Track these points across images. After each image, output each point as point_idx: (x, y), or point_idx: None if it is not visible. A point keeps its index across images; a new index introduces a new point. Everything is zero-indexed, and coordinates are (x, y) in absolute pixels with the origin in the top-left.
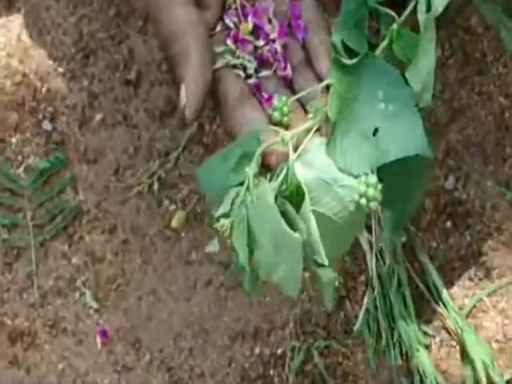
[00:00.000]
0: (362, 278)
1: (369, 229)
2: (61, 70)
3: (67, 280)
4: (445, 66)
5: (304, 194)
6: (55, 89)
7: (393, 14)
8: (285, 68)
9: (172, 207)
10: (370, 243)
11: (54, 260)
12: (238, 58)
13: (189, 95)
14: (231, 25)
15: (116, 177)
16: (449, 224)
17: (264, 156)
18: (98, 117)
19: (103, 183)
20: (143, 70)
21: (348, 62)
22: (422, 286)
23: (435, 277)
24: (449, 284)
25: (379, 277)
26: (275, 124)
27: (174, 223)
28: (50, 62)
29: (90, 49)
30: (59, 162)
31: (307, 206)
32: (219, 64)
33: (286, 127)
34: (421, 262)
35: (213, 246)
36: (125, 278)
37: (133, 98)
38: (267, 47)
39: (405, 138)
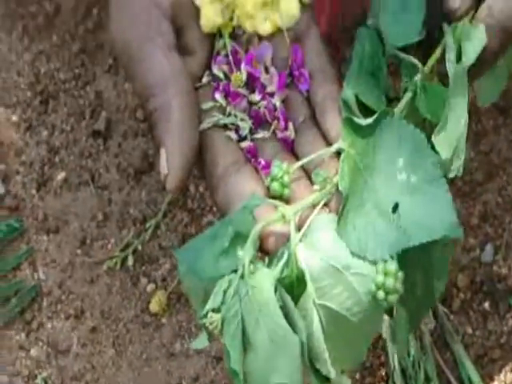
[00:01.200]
0: (382, 372)
1: (390, 311)
2: (14, 118)
3: (25, 376)
4: (479, 112)
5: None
6: (8, 142)
7: (416, 62)
8: (285, 128)
9: (151, 286)
10: (392, 328)
11: (9, 352)
12: (229, 116)
13: (170, 163)
14: (221, 75)
15: (82, 249)
16: (486, 305)
17: (261, 237)
18: (60, 176)
19: (67, 257)
20: (114, 117)
21: (362, 121)
22: (454, 381)
23: (471, 370)
24: (487, 379)
25: (403, 371)
26: (274, 197)
27: (154, 306)
28: (1, 110)
29: (49, 92)
30: (13, 230)
31: (310, 298)
32: (206, 124)
33: (287, 201)
34: (453, 351)
35: (201, 342)
36: (95, 373)
37: (102, 152)
38: (264, 102)
39: (430, 216)
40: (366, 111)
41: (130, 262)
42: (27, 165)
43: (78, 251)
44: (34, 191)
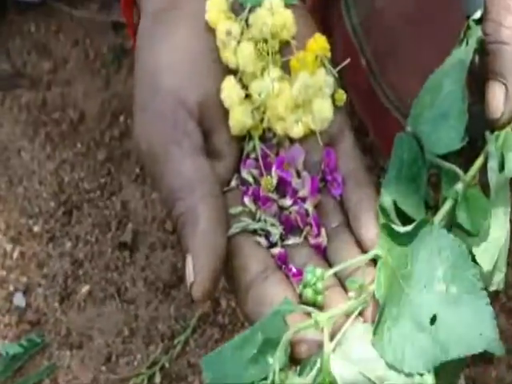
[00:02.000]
0: None
1: None
2: (36, 229)
3: None
4: None
5: None
6: (29, 253)
7: (458, 170)
8: (318, 234)
9: None
10: None
11: None
12: (259, 221)
13: (196, 270)
14: (250, 179)
15: (107, 366)
16: None
17: (292, 344)
18: (84, 289)
19: (91, 374)
20: (141, 229)
21: (401, 229)
22: None
23: None
24: None
25: None
26: (307, 304)
27: None
28: (23, 220)
29: (73, 202)
30: (34, 345)
31: None
32: (235, 229)
33: (321, 308)
34: None
35: None
36: None
37: (128, 265)
38: (295, 208)
39: (470, 329)
40: (405, 218)
41: (158, 379)
42: (49, 277)
43: (103, 368)
44: (56, 304)
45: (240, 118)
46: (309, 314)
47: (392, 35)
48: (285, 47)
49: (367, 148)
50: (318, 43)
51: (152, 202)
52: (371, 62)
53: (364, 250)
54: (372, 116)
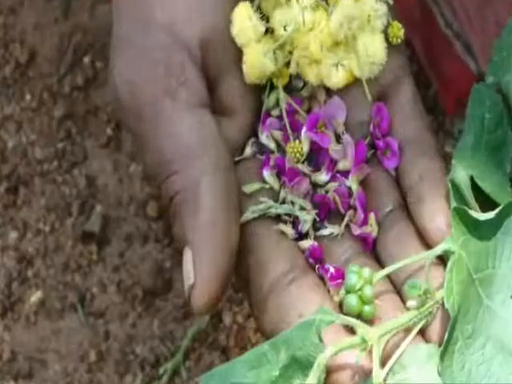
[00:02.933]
0: None
1: None
2: None
3: None
4: None
5: None
6: None
7: None
8: (365, 221)
9: None
10: None
11: None
12: (284, 202)
13: (198, 270)
14: (271, 145)
15: None
16: None
17: (330, 368)
18: (35, 297)
19: None
20: (113, 214)
21: (480, 216)
22: None
23: None
24: None
25: None
26: (350, 316)
27: None
28: None
29: (20, 177)
30: None
31: None
32: (251, 214)
33: (369, 322)
34: None
35: None
36: None
37: (95, 264)
38: (334, 184)
39: None
40: (485, 201)
41: None
42: None
43: None
44: None
45: (258, 60)
46: (352, 329)
47: None
48: None
49: (429, 105)
50: None
51: (129, 177)
52: None
53: (429, 244)
54: (429, 51)
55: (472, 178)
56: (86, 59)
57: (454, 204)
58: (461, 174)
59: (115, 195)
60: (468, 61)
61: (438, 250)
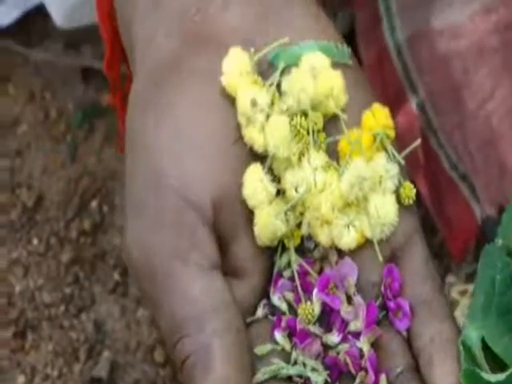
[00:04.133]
0: None
1: None
2: None
3: None
4: None
5: None
6: None
7: None
8: (376, 383)
9: None
10: None
11: None
12: (296, 364)
13: None
14: (283, 306)
15: None
16: None
17: None
18: None
19: None
20: (121, 360)
21: (491, 377)
22: None
23: None
24: None
25: None
26: None
27: None
28: None
29: (28, 321)
30: None
31: None
32: (263, 375)
33: None
34: None
35: None
36: None
37: None
38: (345, 346)
39: None
40: (496, 362)
41: None
42: None
43: None
44: None
45: (269, 222)
46: None
47: (457, 66)
48: (331, 123)
49: (434, 250)
50: (378, 118)
51: (136, 323)
52: (425, 105)
53: None
54: (434, 194)
55: (483, 339)
56: (93, 203)
57: (464, 365)
58: (472, 334)
59: (123, 340)
60: (473, 205)
61: None
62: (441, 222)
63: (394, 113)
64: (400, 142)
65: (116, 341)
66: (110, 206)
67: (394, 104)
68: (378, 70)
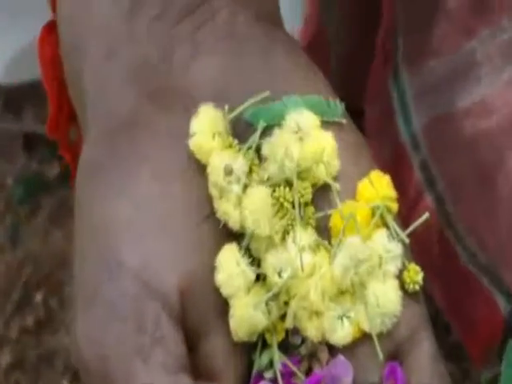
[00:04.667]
0: None
1: None
2: None
3: None
4: None
5: None
6: None
7: None
8: None
9: None
10: None
11: None
12: None
13: None
14: None
15: None
16: None
17: None
18: None
19: None
20: None
21: None
22: None
23: None
24: None
25: None
26: None
27: None
28: None
29: None
30: None
31: None
32: None
33: None
34: None
35: None
36: None
37: None
38: None
39: None
40: None
41: None
42: None
43: None
44: None
45: (248, 314)
46: None
47: (486, 146)
48: (321, 195)
49: (447, 349)
50: (377, 187)
51: None
52: (444, 197)
53: None
54: (449, 294)
55: None
56: (38, 296)
57: None
58: None
59: None
60: (497, 297)
61: None
62: (457, 322)
63: (411, 213)
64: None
65: None
66: (58, 299)
67: (413, 205)
68: (394, 171)
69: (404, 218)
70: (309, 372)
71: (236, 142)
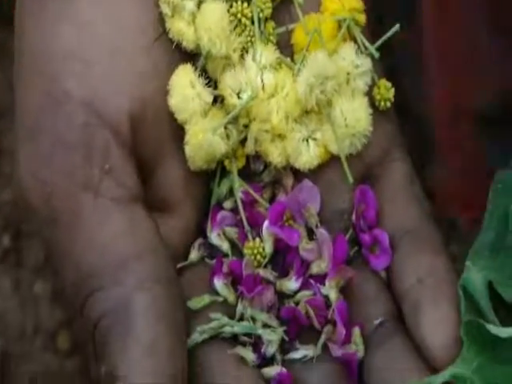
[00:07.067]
0: None
1: None
2: None
3: None
4: None
5: None
6: None
7: None
8: (346, 339)
9: None
10: None
11: None
12: (242, 319)
13: None
14: (224, 246)
15: None
16: None
17: None
18: None
19: None
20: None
21: (501, 331)
22: None
23: None
24: None
25: None
26: None
27: None
28: None
29: None
30: None
31: None
32: (200, 335)
33: None
34: None
35: None
36: None
37: None
38: (307, 294)
39: None
40: (507, 313)
41: None
42: None
43: None
44: None
45: (205, 139)
46: None
47: None
48: (282, 8)
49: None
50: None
51: (34, 300)
52: None
53: (431, 367)
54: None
55: (491, 284)
56: None
57: (466, 316)
58: (476, 278)
59: (16, 324)
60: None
61: (445, 374)
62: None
63: None
64: None
65: (8, 325)
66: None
67: None
68: None
69: None
70: (272, 199)
71: None
